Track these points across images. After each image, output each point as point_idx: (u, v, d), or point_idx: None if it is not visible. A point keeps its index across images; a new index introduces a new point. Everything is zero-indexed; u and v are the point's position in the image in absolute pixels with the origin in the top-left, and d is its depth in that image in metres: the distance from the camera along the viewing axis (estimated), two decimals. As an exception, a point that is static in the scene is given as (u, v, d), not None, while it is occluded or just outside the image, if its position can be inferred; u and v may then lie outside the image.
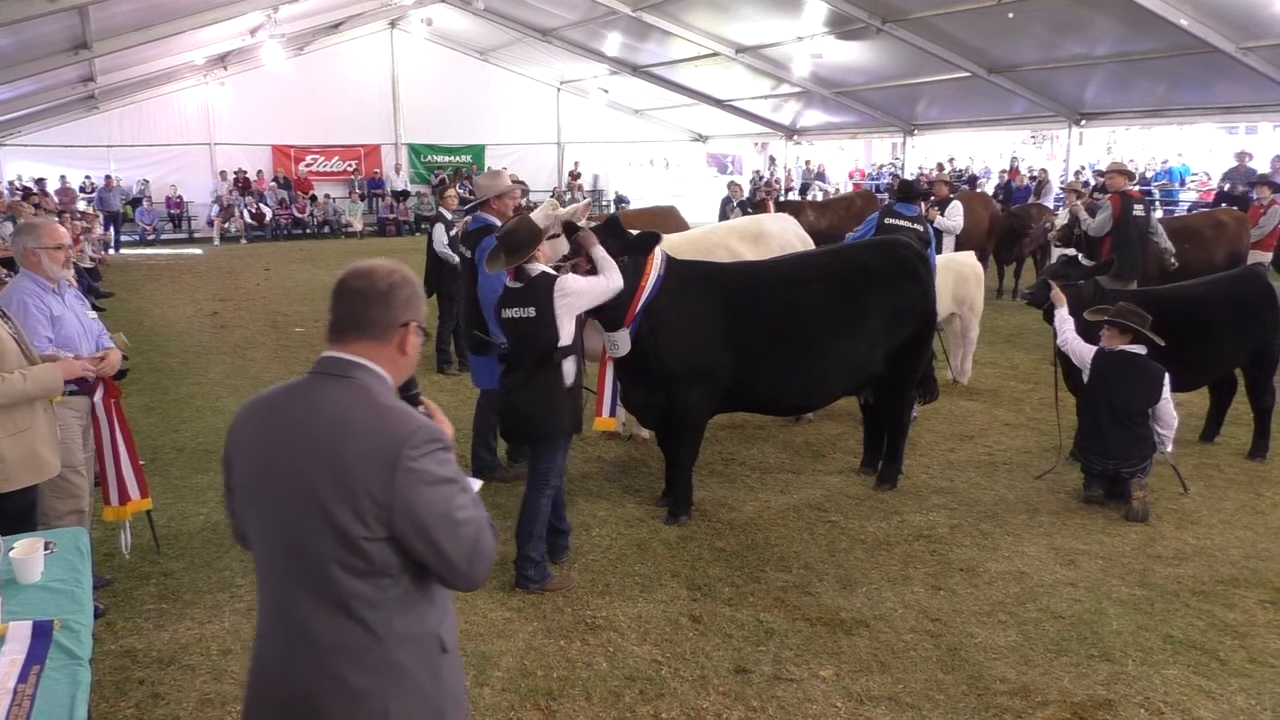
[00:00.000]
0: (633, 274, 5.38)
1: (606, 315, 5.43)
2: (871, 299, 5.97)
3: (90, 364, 4.31)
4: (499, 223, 6.18)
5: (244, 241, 24.74)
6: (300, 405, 2.11)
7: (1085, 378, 6.09)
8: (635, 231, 5.63)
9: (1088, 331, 6.16)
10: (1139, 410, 5.90)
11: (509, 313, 4.83)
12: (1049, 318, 6.63)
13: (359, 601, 2.04)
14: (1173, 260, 10.03)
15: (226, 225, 24.90)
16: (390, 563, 2.04)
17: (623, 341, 5.52)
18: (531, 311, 4.76)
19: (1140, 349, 5.93)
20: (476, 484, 2.38)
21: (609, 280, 5.05)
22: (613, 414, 5.97)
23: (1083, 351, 6.12)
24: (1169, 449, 6.04)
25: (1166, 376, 5.88)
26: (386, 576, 2.05)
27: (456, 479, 2.09)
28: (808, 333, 5.82)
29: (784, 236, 8.32)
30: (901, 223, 8.02)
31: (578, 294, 4.85)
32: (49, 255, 4.58)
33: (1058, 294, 6.40)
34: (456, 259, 9.30)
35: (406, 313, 2.18)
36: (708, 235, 8.44)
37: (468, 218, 7.16)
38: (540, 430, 4.94)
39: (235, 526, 2.28)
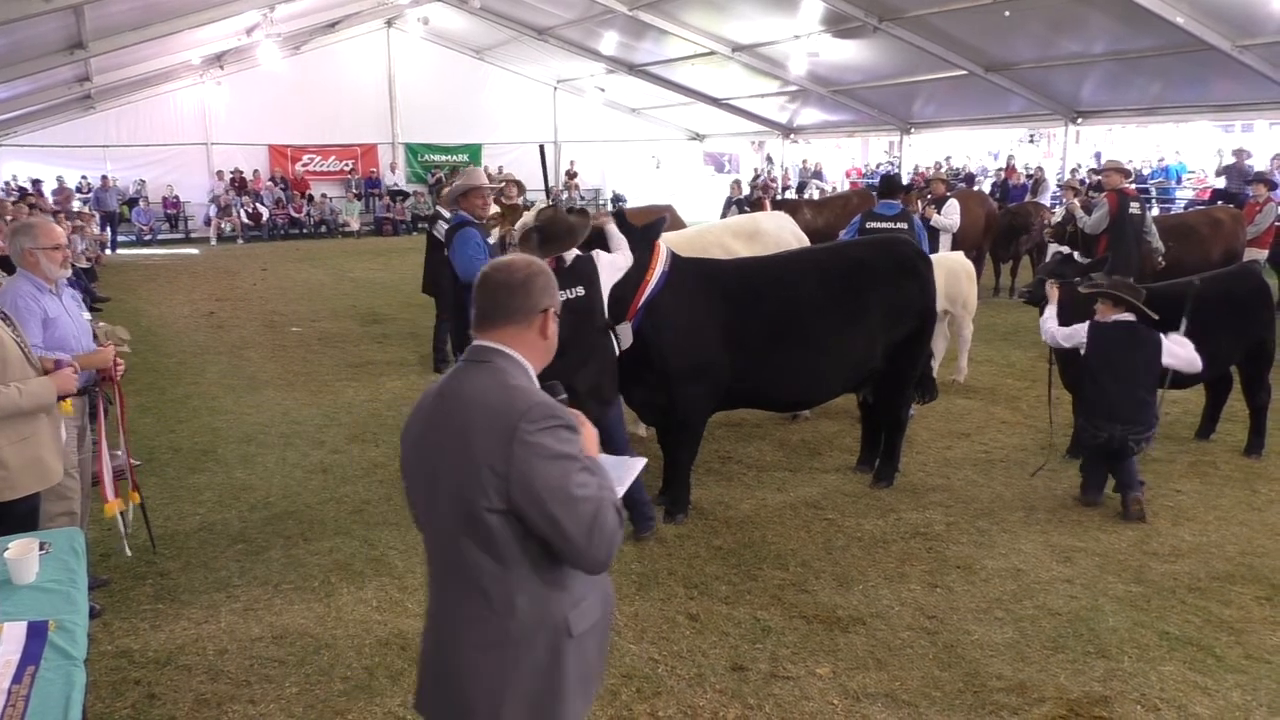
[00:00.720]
0: (637, 267, 5.41)
1: (612, 307, 5.42)
2: (870, 295, 5.97)
3: (76, 374, 4.25)
4: (472, 218, 6.24)
5: (240, 241, 24.72)
6: (445, 391, 2.28)
7: (1084, 351, 6.00)
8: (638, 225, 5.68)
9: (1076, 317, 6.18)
10: (1142, 376, 5.87)
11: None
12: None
13: (485, 576, 2.17)
14: (1160, 260, 10.04)
15: (223, 225, 24.86)
16: (512, 536, 2.14)
17: (625, 335, 5.52)
18: (581, 290, 5.01)
19: (1132, 318, 5.92)
20: (640, 463, 2.63)
21: (623, 256, 5.32)
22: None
23: (1070, 331, 6.07)
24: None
25: (1164, 340, 5.88)
26: (510, 552, 2.15)
27: (577, 457, 2.16)
28: (807, 329, 5.82)
29: (780, 235, 8.33)
30: (882, 225, 8.01)
31: (609, 266, 5.20)
32: (46, 255, 4.55)
33: (1051, 291, 6.40)
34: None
35: (544, 299, 2.33)
36: (703, 234, 8.45)
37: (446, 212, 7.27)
38: (611, 391, 5.28)
39: (414, 515, 2.43)
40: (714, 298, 5.71)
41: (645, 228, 5.56)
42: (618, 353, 5.53)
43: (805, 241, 8.53)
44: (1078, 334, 6.04)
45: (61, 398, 4.16)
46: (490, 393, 2.19)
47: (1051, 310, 6.30)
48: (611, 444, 5.04)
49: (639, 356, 5.53)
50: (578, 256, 5.05)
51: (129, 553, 5.07)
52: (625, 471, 2.57)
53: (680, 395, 5.63)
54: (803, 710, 3.89)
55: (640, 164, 31.20)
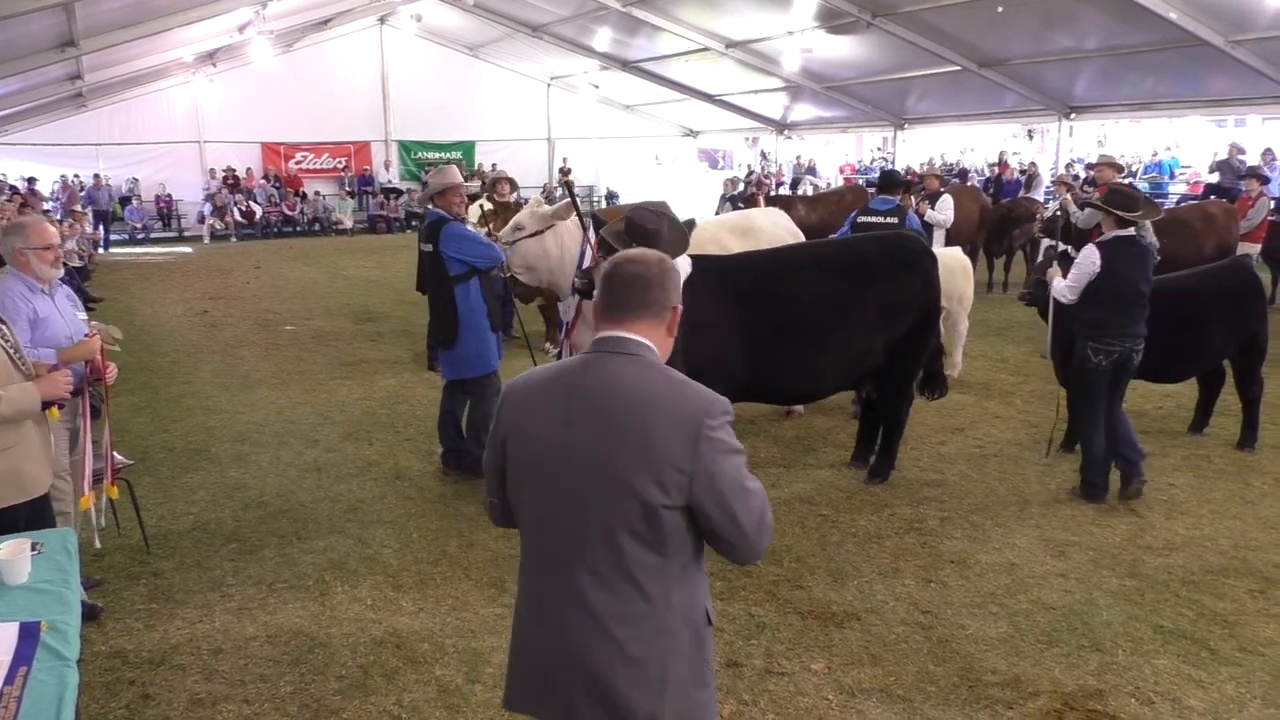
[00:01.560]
0: None
1: None
2: (871, 291, 6.00)
3: (66, 379, 4.03)
4: (451, 216, 6.26)
5: (234, 240, 24.66)
6: (598, 381, 2.22)
7: (1098, 269, 5.81)
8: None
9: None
10: (1143, 285, 5.87)
11: None
12: (1045, 313, 6.63)
13: (644, 571, 2.16)
14: (1155, 255, 10.05)
15: (216, 224, 24.77)
16: (679, 531, 2.15)
17: None
18: None
19: (1132, 233, 5.92)
20: None
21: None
22: None
23: (1079, 271, 5.87)
24: None
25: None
26: (672, 546, 2.16)
27: (743, 451, 2.21)
28: (811, 324, 5.87)
29: (774, 231, 8.32)
30: (874, 219, 7.95)
31: None
32: (37, 255, 4.48)
33: (1054, 269, 6.24)
34: None
35: (676, 295, 2.35)
36: (698, 231, 8.42)
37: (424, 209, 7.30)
38: None
39: (496, 505, 2.42)
40: (726, 294, 5.74)
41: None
42: None
43: (800, 238, 8.52)
44: (1086, 264, 5.83)
45: (49, 404, 3.95)
46: (664, 390, 2.19)
47: (1059, 280, 6.06)
48: None
49: None
50: None
51: (98, 544, 4.87)
52: None
53: None
54: (798, 706, 3.90)
55: (635, 161, 31.17)
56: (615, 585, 2.17)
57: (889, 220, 7.92)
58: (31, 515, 3.86)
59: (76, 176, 23.66)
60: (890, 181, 8.68)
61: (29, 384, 3.81)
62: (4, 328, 3.92)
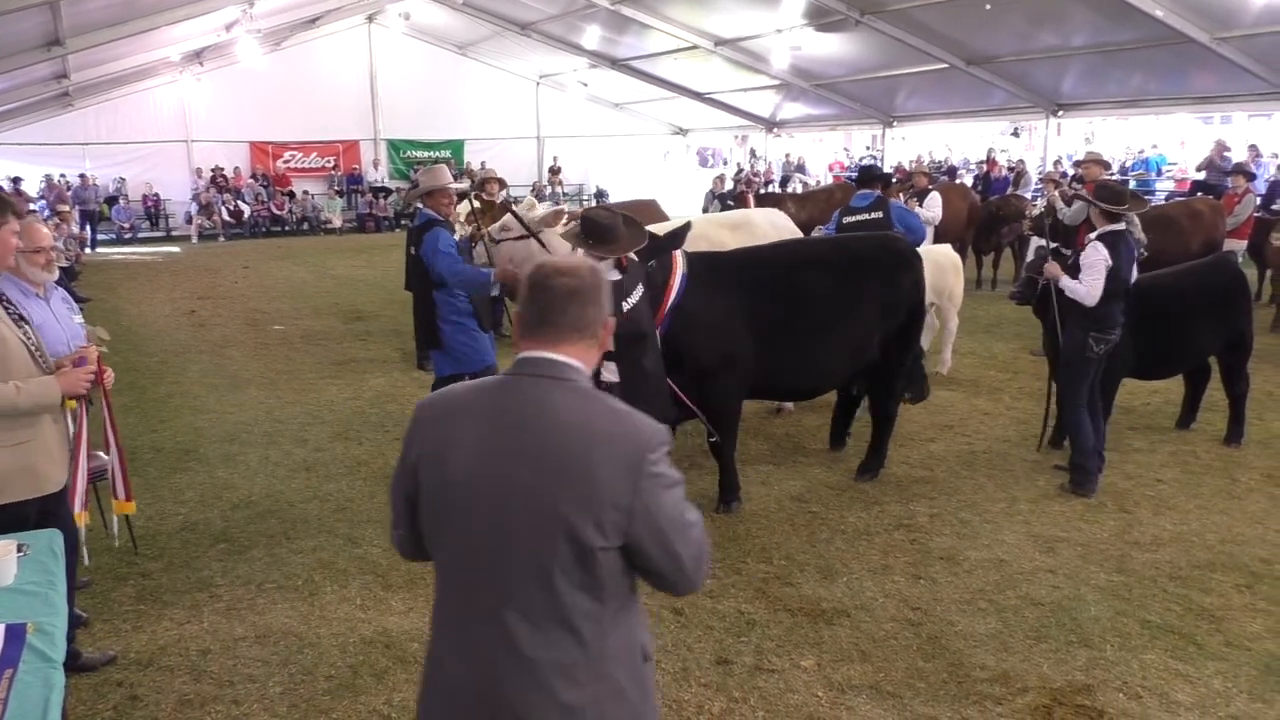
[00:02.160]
0: (660, 275, 5.47)
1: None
2: (868, 287, 6.09)
3: (87, 374, 4.01)
4: (440, 217, 6.19)
5: (222, 239, 24.56)
6: (531, 410, 2.03)
7: (1110, 263, 5.85)
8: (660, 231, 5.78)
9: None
10: (1130, 276, 6.01)
11: (632, 299, 4.92)
12: (1038, 311, 6.61)
13: (578, 614, 1.99)
14: (1141, 251, 10.09)
15: (204, 223, 24.66)
16: (615, 573, 2.01)
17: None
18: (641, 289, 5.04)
19: (1122, 227, 6.01)
20: None
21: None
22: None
23: (1093, 266, 5.88)
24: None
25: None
26: (609, 589, 2.01)
27: (681, 481, 2.07)
28: (817, 318, 5.94)
29: (770, 231, 8.20)
30: (857, 218, 7.86)
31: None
32: (27, 259, 4.39)
33: (1053, 266, 6.20)
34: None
35: (608, 308, 2.17)
36: (694, 228, 8.35)
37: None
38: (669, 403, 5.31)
39: (406, 537, 2.20)
40: (737, 291, 5.79)
41: (661, 241, 5.59)
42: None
43: (794, 231, 8.49)
44: (1099, 261, 5.85)
45: (69, 398, 3.94)
46: (604, 422, 2.02)
47: (1066, 279, 6.04)
48: None
49: (669, 357, 5.54)
50: (632, 259, 5.03)
51: (86, 560, 4.86)
52: None
53: (714, 389, 5.70)
54: (788, 703, 3.90)
55: (624, 159, 31.16)
56: (549, 631, 2.00)
57: (873, 215, 7.87)
58: (43, 512, 3.83)
59: (63, 176, 23.54)
60: (868, 176, 8.58)
61: (49, 378, 3.80)
62: (26, 326, 3.89)
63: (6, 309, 3.85)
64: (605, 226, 4.81)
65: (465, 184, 6.82)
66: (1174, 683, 3.99)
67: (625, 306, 4.76)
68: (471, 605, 2.07)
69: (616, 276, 4.77)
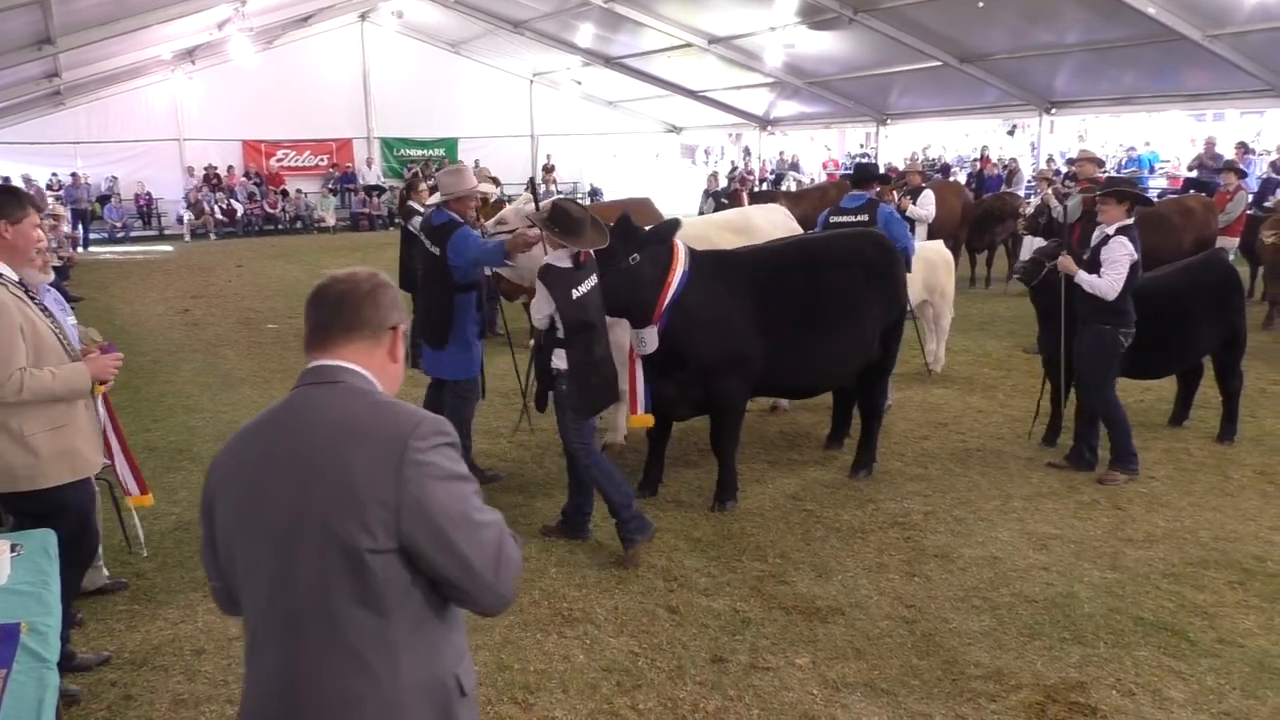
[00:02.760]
0: (657, 267, 5.47)
1: (633, 312, 5.52)
2: (868, 283, 6.12)
3: (115, 360, 4.08)
4: (460, 219, 6.13)
5: (213, 237, 24.49)
6: (295, 418, 1.93)
7: (1136, 256, 5.91)
8: (649, 226, 5.72)
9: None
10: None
11: (581, 289, 5.08)
12: (1039, 302, 6.60)
13: (362, 638, 1.82)
14: None
15: (197, 222, 24.59)
16: (398, 583, 1.83)
17: (650, 339, 5.57)
18: (594, 280, 5.19)
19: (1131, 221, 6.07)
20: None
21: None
22: (649, 410, 5.73)
23: (1118, 257, 5.90)
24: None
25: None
26: (392, 601, 1.83)
27: (471, 478, 1.92)
28: (826, 314, 5.96)
29: (772, 231, 7.90)
30: (844, 219, 7.45)
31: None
32: None
33: (1068, 261, 6.16)
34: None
35: (394, 314, 2.07)
36: (693, 229, 8.15)
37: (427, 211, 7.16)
38: (617, 389, 5.53)
39: (219, 590, 2.05)
40: (741, 288, 5.78)
41: (654, 230, 5.61)
42: (649, 352, 5.63)
43: (797, 230, 8.41)
44: (1124, 254, 5.89)
45: (98, 383, 4.06)
46: (359, 414, 1.88)
47: (1083, 274, 6.01)
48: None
49: (671, 355, 5.57)
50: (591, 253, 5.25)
51: (145, 552, 5.16)
52: None
53: (719, 388, 5.71)
54: (782, 700, 3.91)
55: (618, 156, 31.14)
56: (333, 663, 1.82)
57: (859, 219, 7.39)
58: (78, 498, 3.95)
59: (55, 175, 23.47)
60: (864, 175, 8.00)
61: (79, 364, 3.90)
62: (50, 317, 3.92)
63: (32, 299, 3.86)
64: (574, 219, 5.06)
65: (490, 186, 6.56)
66: (1167, 679, 4.01)
67: (574, 295, 5.01)
68: (263, 640, 1.91)
69: (567, 264, 5.06)
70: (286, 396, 2.00)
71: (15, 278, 3.80)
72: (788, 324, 5.84)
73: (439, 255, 6.10)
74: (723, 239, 7.63)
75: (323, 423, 1.89)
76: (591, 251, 5.20)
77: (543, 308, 5.14)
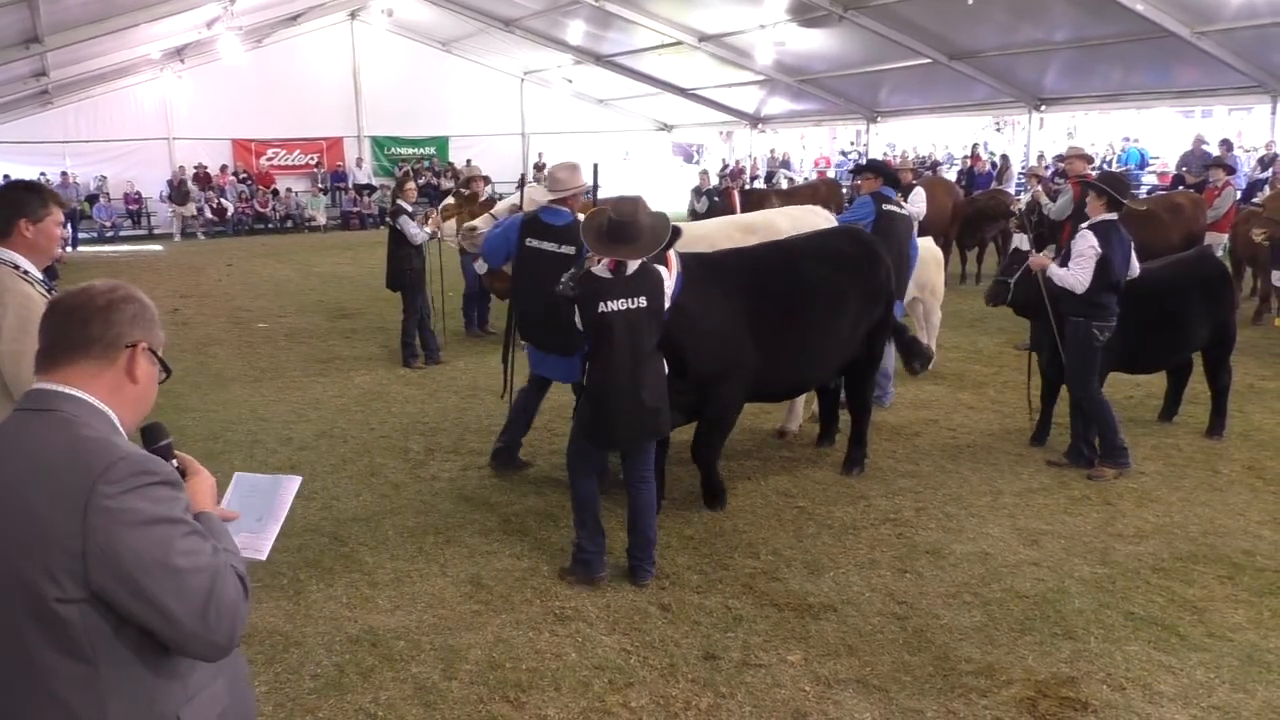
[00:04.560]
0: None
1: None
2: (852, 281, 6.09)
3: None
4: (580, 217, 5.91)
5: (200, 236, 24.42)
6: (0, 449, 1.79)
7: (1099, 251, 5.92)
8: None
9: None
10: (1125, 269, 6.13)
11: (614, 305, 4.67)
12: (1025, 310, 6.61)
13: (61, 680, 1.69)
14: None
15: (182, 208, 24.34)
16: (97, 630, 1.69)
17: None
18: (643, 301, 4.73)
19: (1115, 217, 6.08)
20: (294, 481, 2.31)
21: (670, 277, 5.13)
22: None
23: (1082, 251, 5.95)
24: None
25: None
26: (101, 650, 1.70)
27: (181, 519, 1.75)
28: (807, 315, 5.91)
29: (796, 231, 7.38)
30: (896, 209, 7.53)
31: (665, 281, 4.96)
32: None
33: (1038, 258, 6.33)
34: (423, 242, 9.51)
35: (133, 331, 1.88)
36: (714, 230, 7.65)
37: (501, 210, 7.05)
38: (665, 422, 4.99)
39: None
40: (733, 292, 5.69)
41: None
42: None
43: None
44: (1087, 249, 5.93)
45: None
46: (53, 449, 1.73)
47: (1054, 268, 6.11)
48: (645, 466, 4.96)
49: (668, 360, 5.31)
50: (643, 263, 4.79)
51: None
52: (278, 496, 2.29)
53: (716, 394, 5.62)
54: (775, 698, 3.91)
55: (608, 155, 31.12)
56: (31, 704, 1.70)
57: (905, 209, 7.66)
58: None
59: (43, 174, 23.35)
60: (877, 173, 7.95)
61: None
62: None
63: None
64: (622, 223, 4.70)
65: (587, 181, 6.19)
66: (1157, 674, 4.02)
67: (600, 309, 4.64)
68: None
69: (605, 274, 4.71)
70: (4, 420, 1.87)
71: (40, 274, 3.74)
72: (774, 326, 5.75)
73: (574, 254, 5.72)
74: (741, 240, 7.18)
75: (17, 455, 1.75)
76: (640, 262, 4.78)
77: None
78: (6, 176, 22.15)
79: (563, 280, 4.83)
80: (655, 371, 4.86)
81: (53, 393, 1.81)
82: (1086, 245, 5.98)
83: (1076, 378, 6.29)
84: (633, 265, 4.74)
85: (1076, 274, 5.99)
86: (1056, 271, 6.09)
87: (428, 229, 9.64)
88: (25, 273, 3.58)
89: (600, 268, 4.74)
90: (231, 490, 2.33)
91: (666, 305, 4.99)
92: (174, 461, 2.00)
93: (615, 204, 4.87)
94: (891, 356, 7.42)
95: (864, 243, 6.36)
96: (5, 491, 1.71)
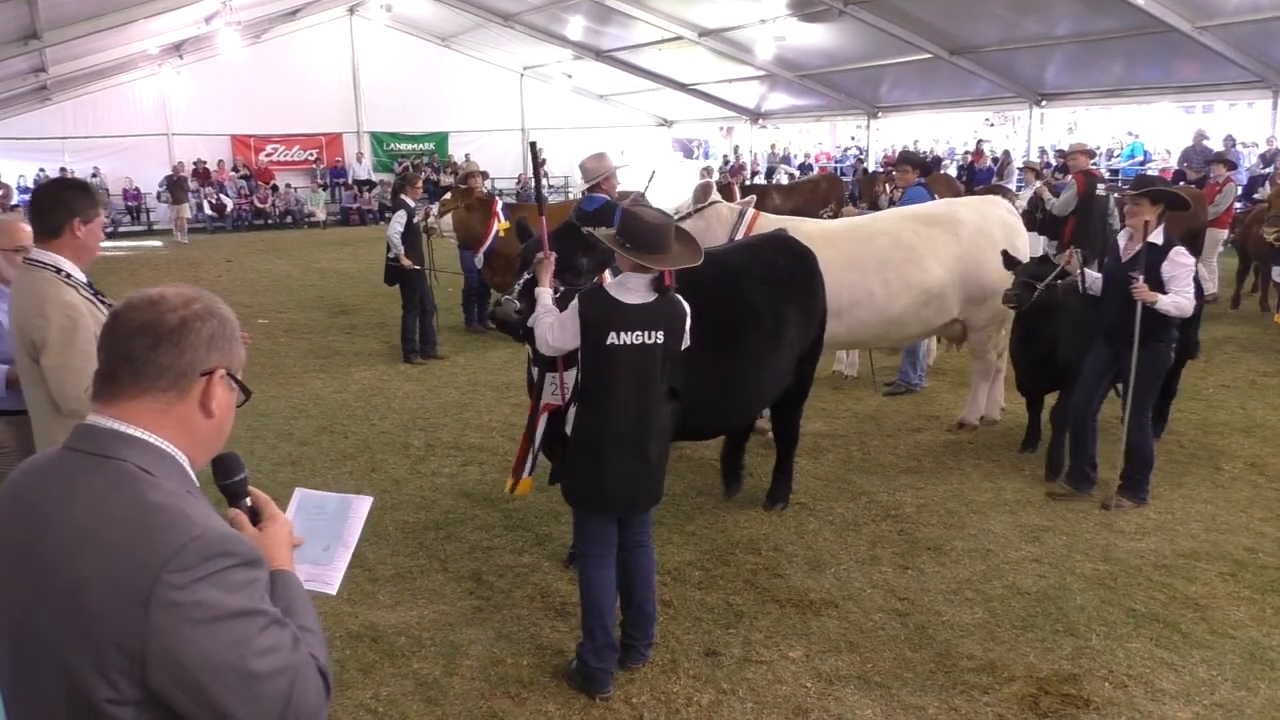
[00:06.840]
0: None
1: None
2: (790, 300, 5.33)
3: None
4: (612, 199, 5.94)
5: (181, 238, 24.37)
6: (47, 502, 1.50)
7: (1143, 276, 5.34)
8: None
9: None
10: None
11: (627, 337, 3.72)
12: (1027, 325, 6.40)
13: None
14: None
15: (181, 209, 24.25)
16: None
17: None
18: (660, 337, 3.79)
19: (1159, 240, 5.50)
20: (365, 502, 2.04)
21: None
22: (532, 474, 4.62)
23: (1185, 268, 5.43)
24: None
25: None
26: None
27: (261, 610, 1.47)
28: (740, 340, 5.10)
29: (984, 225, 6.84)
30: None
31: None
32: (5, 257, 4.24)
33: (1143, 289, 5.39)
34: (402, 247, 9.51)
35: (210, 356, 1.58)
36: (875, 221, 7.13)
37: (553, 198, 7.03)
38: (661, 488, 4.07)
39: None
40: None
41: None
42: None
43: (1018, 230, 7.05)
44: (1186, 267, 5.44)
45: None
46: (113, 524, 1.43)
47: (1163, 299, 5.37)
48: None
49: None
50: (669, 289, 3.82)
51: None
52: (349, 519, 2.06)
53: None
54: (776, 694, 3.91)
55: (608, 152, 31.04)
56: None
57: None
58: None
59: (42, 171, 23.33)
60: (912, 164, 8.04)
61: None
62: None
63: (102, 300, 3.65)
64: (649, 228, 3.76)
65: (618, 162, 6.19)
66: (1159, 671, 4.02)
67: (609, 340, 3.75)
68: None
69: (631, 299, 3.74)
70: (53, 457, 1.57)
71: (84, 279, 3.65)
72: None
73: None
74: (927, 233, 6.70)
75: (66, 520, 1.46)
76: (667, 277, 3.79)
77: (557, 335, 3.86)
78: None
79: (503, 298, 4.13)
80: (664, 421, 3.97)
81: (112, 433, 1.52)
82: (1181, 266, 5.42)
83: (1141, 405, 5.67)
84: (650, 292, 3.77)
85: (1181, 301, 5.40)
86: (1168, 302, 5.38)
87: (428, 223, 9.74)
88: (68, 276, 3.50)
89: (618, 288, 3.81)
90: (294, 510, 2.04)
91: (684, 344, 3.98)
92: (247, 500, 1.76)
93: (633, 202, 4.61)
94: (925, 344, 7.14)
95: (801, 255, 5.52)
96: (52, 570, 1.44)
